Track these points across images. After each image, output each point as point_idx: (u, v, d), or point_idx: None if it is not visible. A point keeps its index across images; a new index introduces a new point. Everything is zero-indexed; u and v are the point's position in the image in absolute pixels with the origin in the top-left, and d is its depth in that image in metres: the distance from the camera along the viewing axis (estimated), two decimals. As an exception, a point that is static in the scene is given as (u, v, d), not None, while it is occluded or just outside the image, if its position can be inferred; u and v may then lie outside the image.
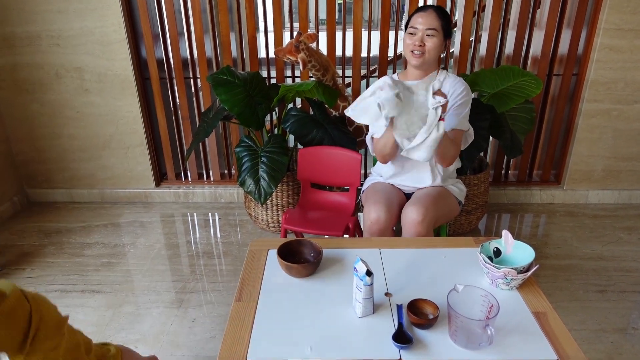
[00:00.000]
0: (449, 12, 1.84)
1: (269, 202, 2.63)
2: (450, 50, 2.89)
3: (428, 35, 1.77)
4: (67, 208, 3.09)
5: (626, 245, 2.58)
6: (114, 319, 2.05)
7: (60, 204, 3.14)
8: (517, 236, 2.68)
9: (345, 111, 1.66)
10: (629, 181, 2.98)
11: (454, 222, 2.61)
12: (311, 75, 2.46)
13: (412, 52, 1.80)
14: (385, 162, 1.92)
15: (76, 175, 3.10)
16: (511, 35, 2.74)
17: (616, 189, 3.00)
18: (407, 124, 1.58)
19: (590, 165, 2.94)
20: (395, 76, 1.96)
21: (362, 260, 1.19)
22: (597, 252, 2.51)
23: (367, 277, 1.15)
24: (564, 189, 3.03)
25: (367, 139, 1.97)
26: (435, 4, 1.87)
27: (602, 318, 2.02)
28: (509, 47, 2.76)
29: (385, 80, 1.59)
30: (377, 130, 1.87)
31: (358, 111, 1.60)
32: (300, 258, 1.42)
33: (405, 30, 1.85)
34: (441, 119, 1.58)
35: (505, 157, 3.05)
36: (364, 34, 2.74)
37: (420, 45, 1.77)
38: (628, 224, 2.79)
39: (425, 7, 1.81)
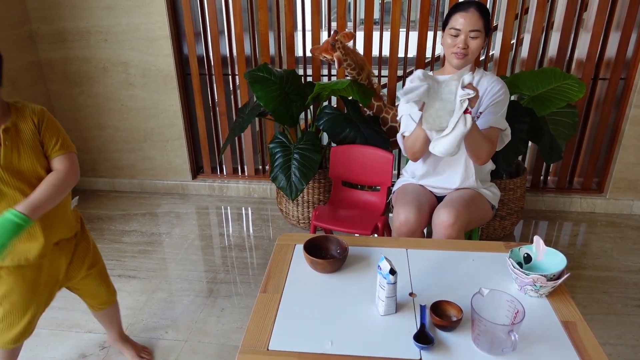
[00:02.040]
0: (489, 10, 1.78)
1: (300, 198, 2.66)
2: (491, 53, 2.83)
3: (472, 37, 1.71)
4: (108, 196, 3.23)
5: (672, 259, 2.45)
6: (147, 304, 2.13)
7: (102, 192, 3.29)
8: (554, 244, 2.60)
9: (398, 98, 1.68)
10: (679, 193, 2.82)
11: (487, 227, 2.56)
12: (347, 74, 2.47)
13: (454, 52, 1.75)
14: (415, 160, 1.90)
15: (118, 165, 3.24)
16: (555, 38, 2.65)
17: (664, 200, 2.85)
18: (434, 116, 1.55)
19: (637, 174, 2.80)
20: (430, 73, 1.93)
21: (386, 258, 1.19)
22: (638, 265, 2.40)
23: (391, 276, 1.15)
24: (607, 198, 2.90)
25: (398, 136, 1.96)
26: (477, 0, 1.78)
27: (640, 334, 1.93)
28: (552, 50, 2.68)
29: (416, 74, 1.57)
30: (406, 123, 1.87)
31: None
32: (326, 254, 1.43)
33: (444, 28, 1.78)
34: (467, 111, 1.53)
35: (545, 162, 2.96)
36: (402, 34, 2.72)
37: (465, 48, 1.73)
38: (675, 238, 2.65)
39: (467, 4, 1.73)
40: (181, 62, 2.96)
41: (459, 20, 1.72)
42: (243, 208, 3.09)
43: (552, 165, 3.03)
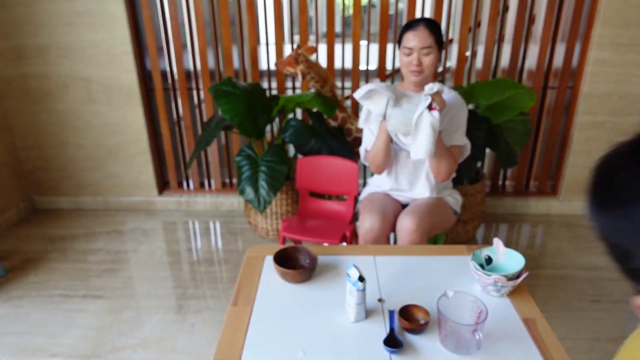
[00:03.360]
0: (439, 24, 1.85)
1: (268, 210, 2.67)
2: (447, 65, 2.95)
3: (424, 54, 1.77)
4: (72, 215, 3.14)
5: (622, 255, 2.60)
6: (114, 323, 2.09)
7: (65, 211, 3.20)
8: (513, 246, 2.70)
9: (354, 94, 1.71)
10: (626, 192, 3.00)
11: (451, 232, 2.65)
12: (311, 86, 2.52)
13: (410, 71, 1.81)
14: (379, 172, 1.95)
15: (82, 183, 3.16)
16: (507, 49, 2.79)
17: (613, 200, 3.02)
18: (399, 119, 1.63)
19: (587, 177, 2.96)
20: (395, 85, 1.99)
21: (354, 266, 1.22)
22: (592, 262, 2.54)
23: (360, 283, 1.19)
24: (561, 200, 3.06)
25: (361, 151, 2.01)
26: (426, 17, 1.86)
27: (596, 327, 2.04)
28: (505, 61, 2.82)
29: (382, 84, 1.64)
30: (368, 138, 1.91)
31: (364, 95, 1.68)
32: (295, 264, 1.46)
33: (399, 46, 1.85)
34: (433, 108, 1.59)
35: (501, 167, 3.09)
36: (363, 47, 2.80)
37: (418, 65, 1.78)
38: (624, 235, 2.81)
39: (416, 23, 1.80)
40: (144, 78, 2.93)
41: (410, 39, 1.77)
42: (211, 222, 3.07)
43: (509, 170, 3.17)
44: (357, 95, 1.69)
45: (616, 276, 2.37)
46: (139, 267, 2.53)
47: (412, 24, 1.80)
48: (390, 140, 1.81)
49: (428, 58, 1.78)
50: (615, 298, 2.23)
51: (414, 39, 1.76)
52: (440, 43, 1.82)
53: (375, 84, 1.67)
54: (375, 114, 1.73)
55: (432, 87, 1.59)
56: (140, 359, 1.88)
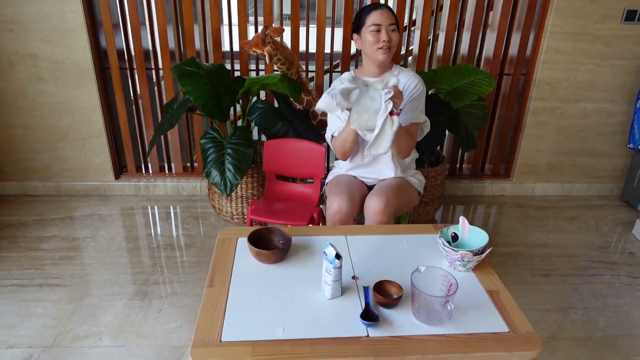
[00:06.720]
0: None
1: (233, 194, 2.64)
2: (410, 48, 3.00)
3: (391, 30, 1.85)
4: (19, 201, 2.96)
5: (568, 233, 2.79)
6: (75, 312, 2.01)
7: (12, 197, 3.01)
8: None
9: (316, 108, 1.69)
10: (570, 174, 3.21)
11: (413, 213, 2.73)
12: (276, 68, 2.49)
13: (380, 48, 1.85)
14: (345, 159, 1.99)
15: (30, 167, 2.98)
16: (466, 36, 2.88)
17: (559, 181, 3.23)
18: (362, 117, 1.65)
19: (537, 160, 3.14)
20: (352, 72, 2.02)
21: (331, 244, 1.25)
22: (542, 240, 2.71)
23: (337, 260, 1.21)
24: (513, 182, 3.23)
25: (327, 137, 2.03)
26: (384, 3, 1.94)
27: (546, 299, 2.19)
28: (464, 47, 2.91)
29: (345, 76, 1.64)
30: (335, 123, 1.93)
31: (325, 102, 1.65)
32: (269, 245, 1.46)
33: (359, 29, 1.89)
34: (394, 113, 1.65)
35: (460, 151, 3.21)
36: (327, 31, 2.79)
37: (389, 40, 1.84)
38: (569, 214, 3.02)
39: (377, 4, 1.88)
40: (99, 55, 2.79)
41: (378, 17, 1.84)
42: (172, 207, 2.99)
43: (466, 153, 3.29)
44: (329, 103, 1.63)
45: (564, 252, 2.56)
46: (98, 253, 2.44)
47: (373, 5, 1.87)
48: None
49: (395, 35, 1.87)
50: (563, 272, 2.40)
51: (382, 17, 1.83)
52: (398, 26, 1.90)
53: (341, 84, 1.66)
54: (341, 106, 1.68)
55: (388, 90, 1.62)
56: (106, 346, 1.83)
